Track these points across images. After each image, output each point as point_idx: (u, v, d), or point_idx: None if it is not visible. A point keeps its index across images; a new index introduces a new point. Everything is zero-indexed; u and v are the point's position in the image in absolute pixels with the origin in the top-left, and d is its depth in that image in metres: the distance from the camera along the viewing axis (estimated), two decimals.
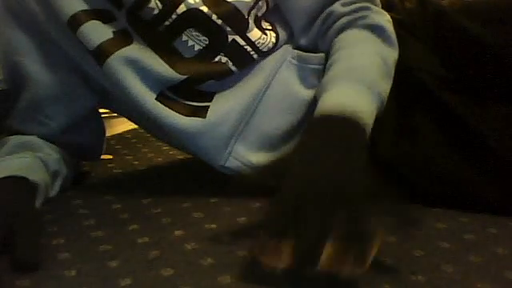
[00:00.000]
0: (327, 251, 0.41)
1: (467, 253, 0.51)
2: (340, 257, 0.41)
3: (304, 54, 0.71)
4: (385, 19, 0.68)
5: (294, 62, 0.71)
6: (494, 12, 0.67)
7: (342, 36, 0.67)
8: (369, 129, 0.56)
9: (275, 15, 0.72)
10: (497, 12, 0.67)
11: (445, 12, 0.70)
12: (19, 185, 0.62)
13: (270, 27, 0.72)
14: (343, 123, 0.54)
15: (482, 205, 0.62)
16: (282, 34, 0.72)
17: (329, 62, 0.66)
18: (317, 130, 0.55)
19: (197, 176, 0.82)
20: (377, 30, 0.66)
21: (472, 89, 0.66)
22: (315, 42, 0.72)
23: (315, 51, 0.71)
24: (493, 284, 0.45)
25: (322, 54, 0.70)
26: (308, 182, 0.46)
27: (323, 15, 0.70)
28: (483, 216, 0.61)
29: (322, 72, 0.68)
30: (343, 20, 0.68)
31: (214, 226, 0.59)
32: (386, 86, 0.63)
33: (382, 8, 0.71)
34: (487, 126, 0.63)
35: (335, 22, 0.69)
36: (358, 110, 0.56)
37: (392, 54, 0.66)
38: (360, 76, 0.61)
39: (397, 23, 0.70)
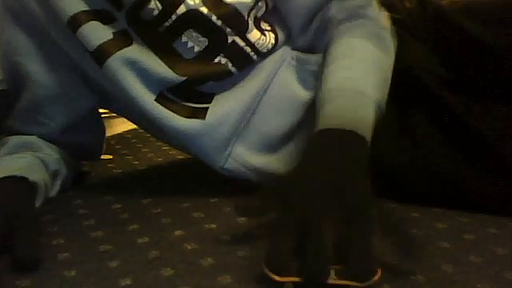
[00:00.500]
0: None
1: (467, 253, 0.51)
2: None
3: (303, 55, 0.71)
4: (382, 21, 0.68)
5: (293, 63, 0.71)
6: (494, 12, 0.67)
7: (338, 43, 0.66)
8: (369, 138, 0.56)
9: (274, 16, 0.72)
10: (497, 12, 0.67)
11: (445, 12, 0.70)
12: (19, 185, 0.62)
13: (269, 28, 0.72)
14: (343, 135, 0.54)
15: (482, 205, 0.62)
16: (281, 35, 0.72)
17: (324, 73, 0.64)
18: (317, 143, 0.55)
19: (197, 176, 0.82)
20: (373, 36, 0.66)
21: (472, 89, 0.66)
22: (312, 44, 0.71)
23: (313, 52, 0.71)
24: (493, 284, 0.45)
25: (321, 55, 0.70)
26: (309, 196, 0.47)
27: (319, 15, 0.69)
28: (483, 216, 0.61)
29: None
30: (339, 23, 0.68)
31: (213, 226, 0.59)
32: (383, 94, 0.62)
33: (382, 8, 0.71)
34: (487, 126, 0.63)
35: (332, 23, 0.68)
36: (358, 123, 0.56)
37: (388, 61, 0.66)
38: (357, 87, 0.60)
39: (397, 23, 0.70)
